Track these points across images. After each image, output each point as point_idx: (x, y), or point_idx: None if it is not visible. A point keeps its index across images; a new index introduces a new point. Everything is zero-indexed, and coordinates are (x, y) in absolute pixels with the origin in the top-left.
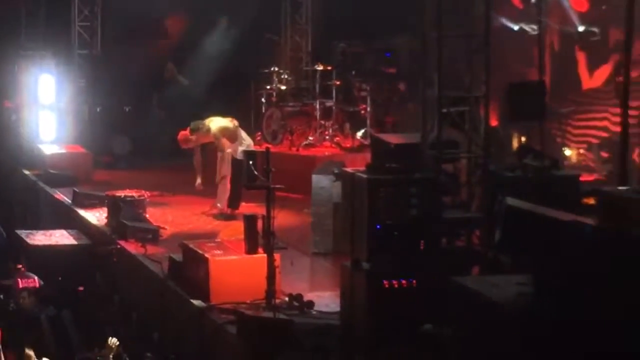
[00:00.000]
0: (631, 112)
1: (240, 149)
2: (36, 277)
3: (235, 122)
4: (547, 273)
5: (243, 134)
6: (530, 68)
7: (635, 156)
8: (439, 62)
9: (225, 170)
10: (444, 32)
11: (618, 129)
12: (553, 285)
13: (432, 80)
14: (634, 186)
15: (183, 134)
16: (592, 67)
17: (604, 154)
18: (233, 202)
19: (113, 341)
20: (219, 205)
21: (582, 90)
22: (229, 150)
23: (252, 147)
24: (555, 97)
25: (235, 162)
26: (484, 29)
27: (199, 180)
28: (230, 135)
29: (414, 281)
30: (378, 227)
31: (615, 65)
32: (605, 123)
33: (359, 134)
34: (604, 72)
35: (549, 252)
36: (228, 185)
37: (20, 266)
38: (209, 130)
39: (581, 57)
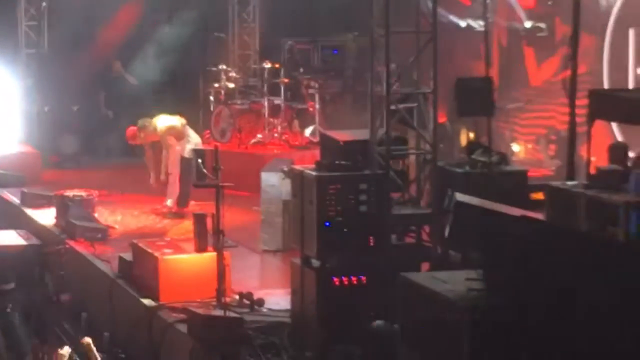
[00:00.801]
0: (578, 111)
1: (188, 147)
2: None
3: (183, 120)
4: (496, 268)
5: (191, 132)
6: (479, 64)
7: (583, 151)
8: (386, 59)
9: (173, 168)
10: (391, 29)
11: (565, 125)
12: (502, 280)
13: (380, 76)
14: (581, 181)
15: (131, 130)
16: (540, 62)
17: (551, 150)
18: (182, 200)
19: (66, 349)
20: (168, 203)
21: (530, 86)
22: (177, 148)
23: (200, 146)
24: (504, 93)
25: (183, 160)
26: (432, 25)
27: (153, 177)
28: (178, 133)
29: (364, 278)
30: (327, 224)
31: (562, 60)
32: (552, 120)
33: (308, 131)
34: (551, 68)
35: (498, 247)
36: (177, 184)
37: None
38: (155, 128)
39: (529, 53)
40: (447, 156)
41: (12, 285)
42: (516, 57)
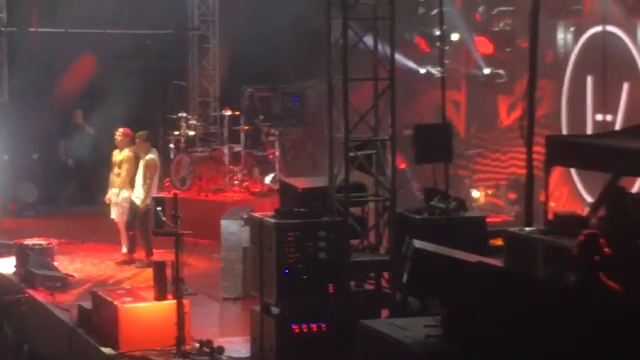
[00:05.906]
0: (538, 157)
1: (133, 196)
2: None
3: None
4: (454, 314)
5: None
6: (438, 111)
7: (542, 197)
8: (344, 106)
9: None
10: (350, 76)
11: (524, 170)
12: (460, 326)
13: (339, 123)
14: (539, 227)
15: (129, 130)
16: (500, 109)
17: (511, 195)
18: (148, 250)
19: None
20: (125, 251)
21: (491, 132)
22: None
23: (141, 197)
24: (466, 138)
25: (141, 211)
26: (389, 72)
27: (109, 195)
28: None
29: (324, 325)
30: (286, 271)
31: (518, 105)
32: (512, 165)
33: (268, 178)
34: (512, 113)
35: (456, 293)
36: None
37: None
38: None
39: (489, 100)
40: (408, 202)
41: None
42: (478, 104)
